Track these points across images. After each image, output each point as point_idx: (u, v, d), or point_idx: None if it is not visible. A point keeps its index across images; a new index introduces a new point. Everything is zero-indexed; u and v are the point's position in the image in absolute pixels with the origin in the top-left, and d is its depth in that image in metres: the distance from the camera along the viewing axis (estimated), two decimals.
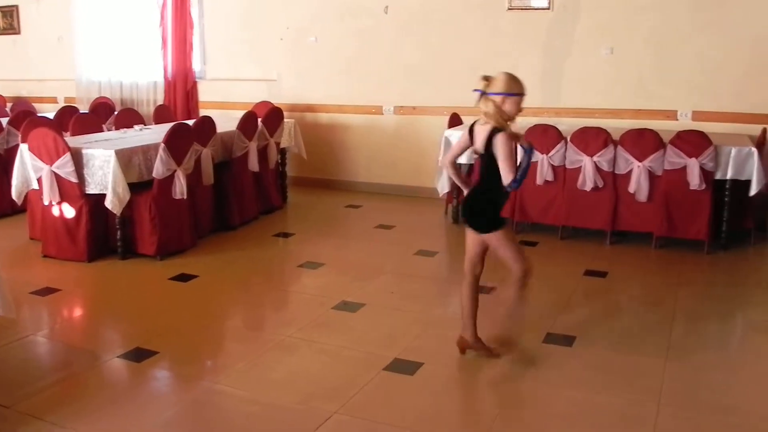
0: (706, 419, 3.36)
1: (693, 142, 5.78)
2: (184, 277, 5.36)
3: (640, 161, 5.90)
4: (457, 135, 6.65)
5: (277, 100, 8.31)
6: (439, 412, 3.45)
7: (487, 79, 3.73)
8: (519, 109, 3.70)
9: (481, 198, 3.89)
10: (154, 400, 3.65)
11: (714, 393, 3.61)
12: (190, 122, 6.39)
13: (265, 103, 8.18)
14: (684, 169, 5.81)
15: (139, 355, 4.03)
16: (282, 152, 7.64)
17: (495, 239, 3.83)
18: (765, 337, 4.25)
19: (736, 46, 6.68)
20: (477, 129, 3.82)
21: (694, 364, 3.97)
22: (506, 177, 3.57)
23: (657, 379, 3.72)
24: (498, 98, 3.66)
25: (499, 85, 3.67)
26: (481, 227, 3.85)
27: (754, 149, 5.76)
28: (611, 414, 3.41)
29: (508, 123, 3.71)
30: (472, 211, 3.93)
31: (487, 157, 3.71)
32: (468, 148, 3.97)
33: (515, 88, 3.66)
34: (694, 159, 5.75)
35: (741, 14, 6.65)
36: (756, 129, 6.42)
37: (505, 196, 3.84)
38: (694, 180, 5.76)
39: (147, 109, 9.00)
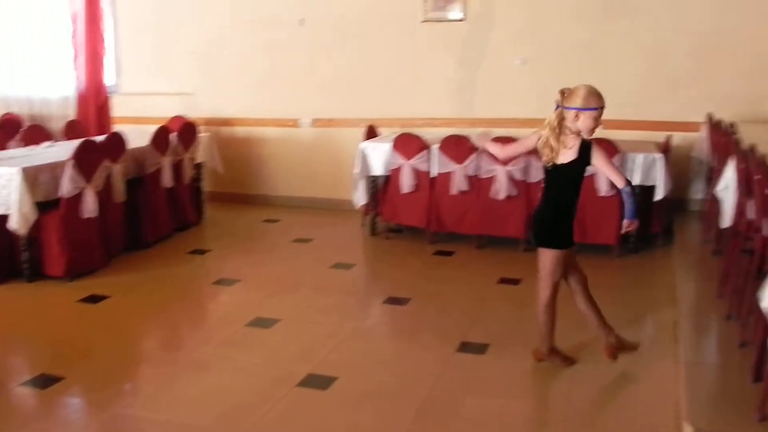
0: (612, 418, 3.45)
1: (604, 149, 5.92)
2: (94, 299, 5.21)
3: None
4: (373, 147, 6.70)
5: (192, 114, 8.17)
6: (352, 426, 3.45)
7: (563, 93, 3.74)
8: (596, 124, 3.75)
9: (553, 215, 3.93)
10: (60, 428, 3.54)
11: (621, 393, 3.72)
12: (100, 138, 6.24)
13: (179, 117, 8.03)
14: (593, 176, 5.95)
15: (44, 382, 3.89)
16: (198, 167, 7.54)
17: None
18: (669, 336, 4.37)
19: (642, 57, 6.92)
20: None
21: (603, 364, 4.05)
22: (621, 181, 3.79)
23: (566, 381, 3.81)
24: (571, 113, 3.69)
25: (575, 100, 3.68)
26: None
27: (659, 156, 5.96)
28: (523, 418, 3.47)
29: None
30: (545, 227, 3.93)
31: (568, 171, 3.79)
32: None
33: (592, 102, 3.70)
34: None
35: (646, 27, 6.89)
36: (661, 136, 6.63)
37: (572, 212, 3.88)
38: (603, 187, 5.92)
39: (59, 125, 8.74)
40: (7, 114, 8.80)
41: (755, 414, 3.06)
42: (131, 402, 3.73)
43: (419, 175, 6.48)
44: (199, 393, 3.78)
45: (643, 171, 5.98)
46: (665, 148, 6.29)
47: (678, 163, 6.72)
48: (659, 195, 5.97)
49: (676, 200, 6.79)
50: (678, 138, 6.73)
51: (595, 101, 3.71)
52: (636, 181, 5.98)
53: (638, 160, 5.98)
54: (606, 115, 7.01)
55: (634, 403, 3.64)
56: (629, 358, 4.19)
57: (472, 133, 6.67)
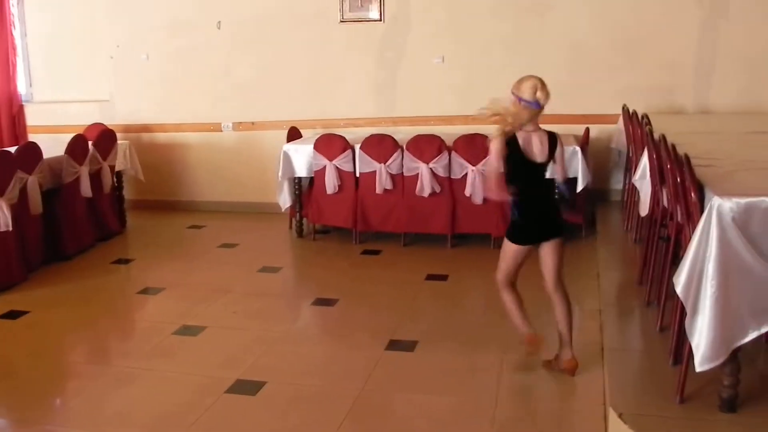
0: (541, 408, 3.51)
1: None
2: (13, 314, 5.03)
3: (474, 165, 6.10)
4: (296, 148, 6.67)
5: (110, 122, 7.99)
6: (281, 430, 3.42)
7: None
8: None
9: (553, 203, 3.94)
10: None
11: (548, 382, 3.79)
12: (12, 149, 6.03)
13: (97, 125, 7.84)
14: None
15: None
16: (118, 175, 7.36)
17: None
18: (594, 323, 4.47)
19: (558, 52, 7.06)
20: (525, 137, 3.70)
21: (532, 356, 4.12)
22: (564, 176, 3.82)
23: (494, 375, 3.86)
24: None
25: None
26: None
27: (578, 148, 6.09)
28: (453, 413, 3.49)
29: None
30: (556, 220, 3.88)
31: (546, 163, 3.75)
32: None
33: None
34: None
35: (561, 22, 7.05)
36: (580, 129, 6.78)
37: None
38: None
39: None
40: None
41: (676, 396, 3.16)
42: (56, 419, 3.64)
43: (343, 176, 6.48)
44: (126, 405, 3.70)
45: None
46: (584, 141, 6.44)
47: (597, 155, 6.90)
48: (579, 186, 6.09)
49: (598, 191, 6.97)
50: (596, 130, 6.91)
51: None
52: None
53: None
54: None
55: (563, 391, 3.71)
56: (557, 347, 4.27)
57: (395, 131, 6.74)
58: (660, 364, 3.55)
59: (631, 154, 6.15)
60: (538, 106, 3.65)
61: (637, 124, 5.64)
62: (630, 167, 6.22)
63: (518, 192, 3.77)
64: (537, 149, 3.74)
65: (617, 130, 6.85)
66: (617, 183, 7.18)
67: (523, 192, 3.78)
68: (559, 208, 3.96)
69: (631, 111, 6.07)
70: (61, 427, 3.54)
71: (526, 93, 3.67)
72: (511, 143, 3.66)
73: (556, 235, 3.82)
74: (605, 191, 7.20)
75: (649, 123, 5.18)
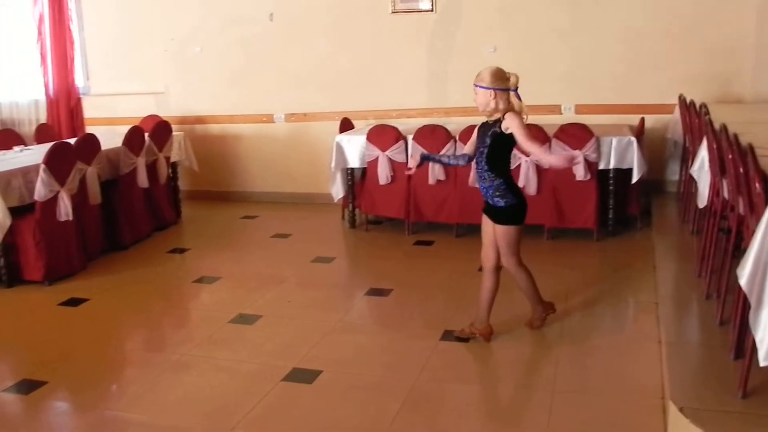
0: (597, 400, 3.47)
1: (576, 134, 5.97)
2: (74, 302, 5.17)
3: (527, 156, 6.04)
4: (348, 139, 6.69)
5: (165, 113, 8.11)
6: (338, 419, 3.45)
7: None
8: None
9: None
10: None
11: (605, 374, 3.74)
12: (72, 141, 6.17)
13: (152, 116, 7.98)
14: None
15: (27, 387, 3.86)
16: (173, 166, 7.48)
17: None
18: (651, 317, 4.41)
19: (611, 41, 6.96)
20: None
21: (587, 347, 4.10)
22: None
23: (551, 367, 3.83)
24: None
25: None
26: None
27: (633, 139, 5.99)
28: (508, 404, 3.49)
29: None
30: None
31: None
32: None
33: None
34: (578, 151, 5.93)
35: (614, 11, 6.93)
36: (635, 119, 6.67)
37: None
38: (580, 171, 5.95)
39: (29, 129, 8.64)
40: None
41: (738, 390, 3.10)
42: (116, 404, 3.70)
43: (396, 166, 6.48)
44: (183, 393, 3.76)
45: (618, 154, 6.01)
46: (639, 131, 6.33)
47: (653, 145, 6.78)
48: (635, 177, 6.00)
49: (653, 182, 6.86)
50: (652, 120, 6.79)
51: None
52: (611, 164, 6.02)
53: (613, 143, 6.01)
54: (580, 99, 7.16)
55: (619, 384, 3.65)
56: (613, 339, 4.24)
57: (447, 122, 6.72)
58: (721, 359, 3.48)
59: (687, 145, 6.04)
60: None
61: (694, 113, 5.53)
62: (687, 158, 6.10)
63: (509, 175, 3.98)
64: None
65: (673, 120, 6.72)
66: (673, 174, 7.04)
67: (510, 174, 4.00)
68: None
69: (688, 100, 5.96)
70: (121, 412, 3.60)
71: (513, 82, 3.86)
72: (498, 128, 3.84)
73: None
74: (661, 182, 7.07)
75: (707, 113, 5.07)
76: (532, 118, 6.39)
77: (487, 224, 4.09)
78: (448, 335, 4.28)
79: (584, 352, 4.05)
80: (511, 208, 3.96)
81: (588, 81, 7.08)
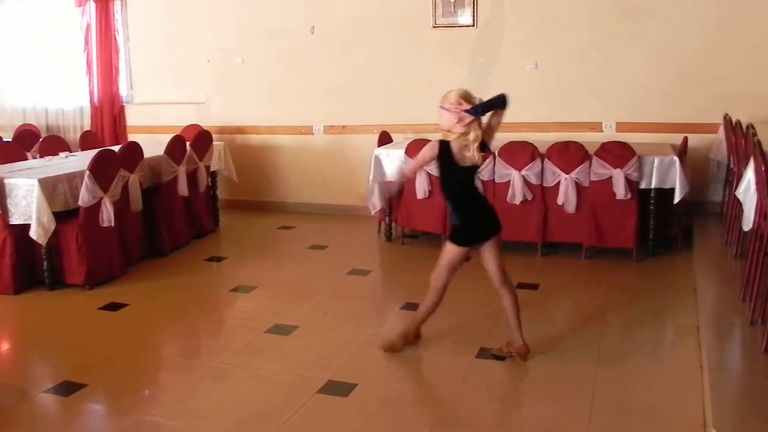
0: (635, 425, 3.42)
1: (617, 152, 5.92)
2: (114, 306, 5.23)
3: (567, 173, 6.01)
4: (387, 153, 6.70)
5: (206, 123, 8.21)
6: None
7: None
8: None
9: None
10: None
11: (644, 399, 3.68)
12: (116, 148, 6.26)
13: (193, 126, 8.07)
14: (610, 179, 5.94)
15: (67, 389, 3.91)
16: (212, 175, 7.55)
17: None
18: (692, 340, 4.34)
19: (654, 58, 6.90)
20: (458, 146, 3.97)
21: (625, 370, 4.04)
22: None
23: (589, 388, 3.77)
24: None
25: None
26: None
27: (675, 158, 5.92)
28: (544, 425, 3.44)
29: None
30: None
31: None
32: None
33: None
34: (618, 169, 5.88)
35: (659, 28, 6.88)
36: (678, 138, 6.60)
37: None
38: (620, 190, 5.89)
39: (74, 136, 8.79)
40: (24, 125, 8.88)
41: None
42: (153, 409, 3.72)
43: (434, 181, 6.46)
44: (219, 401, 3.78)
45: (660, 174, 5.93)
46: (682, 150, 6.26)
47: (695, 165, 6.69)
48: (677, 198, 5.93)
49: (695, 203, 6.76)
50: (695, 139, 6.70)
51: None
52: (653, 183, 5.96)
53: (655, 162, 5.94)
54: (621, 117, 7.10)
55: (659, 409, 3.58)
56: (652, 362, 4.18)
57: None
58: (765, 387, 3.41)
59: (732, 165, 5.95)
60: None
61: (740, 134, 5.45)
62: (731, 179, 6.01)
63: (456, 196, 4.05)
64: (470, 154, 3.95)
65: (717, 139, 6.64)
66: (715, 195, 6.93)
67: (461, 195, 4.05)
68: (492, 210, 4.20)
69: (733, 120, 5.87)
70: (157, 417, 3.62)
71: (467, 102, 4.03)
72: (445, 150, 3.99)
73: (495, 233, 4.12)
74: (703, 203, 6.96)
75: (755, 133, 4.99)
76: (572, 135, 6.45)
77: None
78: (484, 352, 4.25)
79: (622, 374, 3.99)
80: (455, 229, 4.12)
81: (629, 99, 7.03)
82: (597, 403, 3.61)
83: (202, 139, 7.22)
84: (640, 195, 6.01)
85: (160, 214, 6.50)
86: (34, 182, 5.35)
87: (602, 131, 7.07)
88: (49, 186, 5.44)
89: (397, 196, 6.81)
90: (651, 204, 6.05)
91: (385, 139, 7.30)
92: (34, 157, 7.29)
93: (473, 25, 7.43)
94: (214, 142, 7.47)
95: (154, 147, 6.73)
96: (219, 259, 6.59)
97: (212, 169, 7.45)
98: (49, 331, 4.90)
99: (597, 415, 3.49)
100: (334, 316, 4.97)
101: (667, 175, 5.95)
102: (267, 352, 4.40)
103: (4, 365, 4.51)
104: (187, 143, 6.93)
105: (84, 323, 5.02)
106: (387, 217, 6.90)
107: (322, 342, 4.52)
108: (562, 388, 3.81)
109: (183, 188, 6.74)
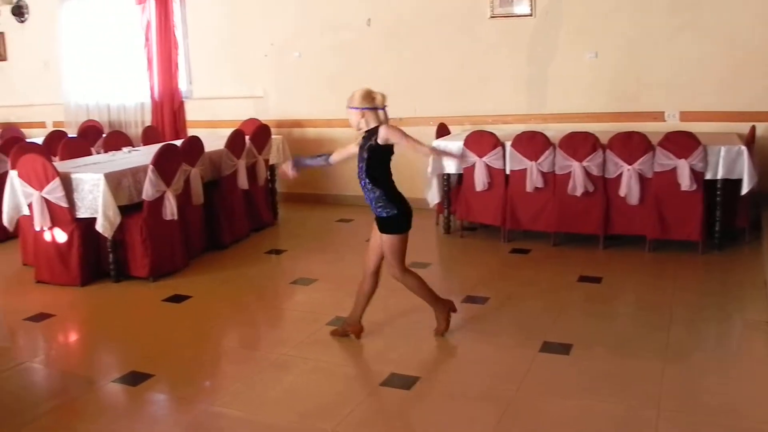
0: (705, 422, 3.34)
1: (682, 143, 5.78)
2: (177, 298, 5.32)
3: (630, 164, 5.89)
4: (445, 145, 6.66)
5: (264, 117, 8.29)
6: (436, 426, 3.43)
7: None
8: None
9: None
10: (152, 424, 3.62)
11: (713, 395, 3.60)
12: (178, 143, 6.35)
13: (252, 120, 8.16)
14: (674, 170, 5.81)
15: (134, 379, 4.00)
16: (271, 169, 7.62)
17: None
18: (762, 336, 4.23)
19: (718, 45, 6.71)
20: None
21: (693, 366, 3.96)
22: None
23: (656, 383, 3.70)
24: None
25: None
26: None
27: (743, 148, 5.76)
28: (611, 420, 3.38)
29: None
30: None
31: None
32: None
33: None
34: (683, 160, 5.75)
35: (719, 14, 6.69)
36: (745, 127, 6.42)
37: None
38: (685, 181, 5.76)
39: (135, 131, 8.98)
40: (88, 121, 9.10)
41: None
42: (217, 400, 3.78)
43: (493, 173, 6.41)
44: (281, 392, 3.81)
45: (727, 164, 5.77)
46: (750, 140, 6.09)
47: (764, 155, 6.49)
48: (745, 189, 5.77)
49: (764, 194, 6.55)
50: (762, 128, 6.50)
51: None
52: (719, 174, 5.80)
53: (721, 152, 5.78)
54: (685, 106, 6.92)
55: (729, 406, 3.50)
56: (721, 358, 4.09)
57: (545, 128, 6.62)
58: None
59: None
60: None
61: None
62: None
63: (389, 181, 4.18)
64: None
65: None
66: None
67: (391, 182, 4.19)
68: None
69: None
70: (221, 408, 3.67)
71: (379, 101, 4.32)
72: (374, 141, 4.12)
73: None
74: None
75: None
76: (633, 126, 6.33)
77: (375, 231, 4.31)
78: (547, 346, 4.20)
79: (690, 370, 3.91)
80: (393, 218, 4.15)
81: (693, 87, 6.85)
82: (665, 399, 3.54)
83: (261, 132, 7.29)
84: (705, 186, 5.86)
85: (220, 207, 6.59)
86: (100, 177, 5.47)
87: (665, 121, 6.91)
88: (114, 180, 5.55)
89: (457, 187, 6.78)
90: (717, 195, 5.90)
91: (442, 131, 7.26)
92: (98, 152, 7.46)
93: (531, 15, 7.33)
94: (273, 136, 7.53)
95: (213, 141, 6.82)
96: (278, 252, 6.64)
97: (271, 162, 7.52)
98: (116, 322, 5.01)
99: (666, 412, 3.41)
100: (394, 309, 4.95)
101: (734, 165, 5.78)
102: (328, 344, 4.42)
103: (72, 355, 4.63)
104: (247, 137, 7.00)
105: (149, 314, 5.12)
106: (446, 210, 6.87)
107: (383, 335, 4.52)
108: (628, 382, 3.74)
109: (243, 182, 6.81)
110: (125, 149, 6.99)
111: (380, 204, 4.14)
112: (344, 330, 4.45)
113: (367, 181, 4.17)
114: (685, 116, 6.87)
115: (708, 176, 5.85)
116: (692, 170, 5.74)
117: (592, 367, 3.96)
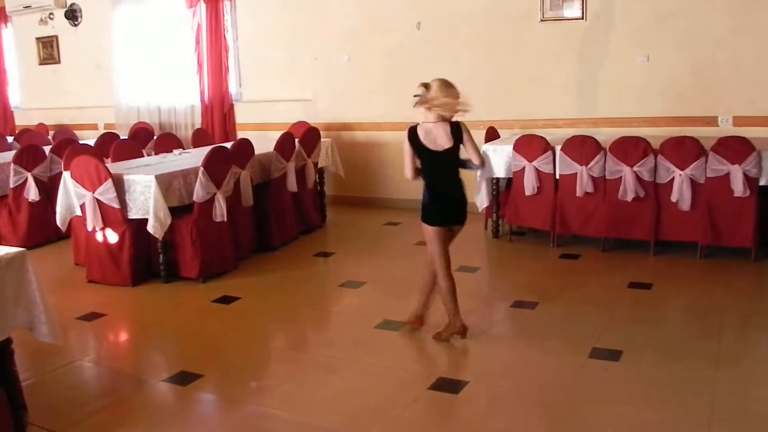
0: (757, 430, 3.27)
1: (735, 148, 5.68)
2: (226, 300, 5.39)
3: (682, 169, 5.81)
4: (494, 149, 6.64)
5: (313, 120, 8.36)
6: (485, 431, 3.42)
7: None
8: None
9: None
10: (201, 424, 3.68)
11: (765, 404, 3.53)
12: (228, 145, 6.43)
13: (301, 123, 8.23)
14: (727, 176, 5.71)
15: (184, 379, 4.06)
16: (320, 172, 7.67)
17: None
18: None
19: None
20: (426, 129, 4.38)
21: (745, 375, 3.88)
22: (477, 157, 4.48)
23: (708, 392, 3.64)
24: None
25: None
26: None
27: None
28: (662, 428, 3.34)
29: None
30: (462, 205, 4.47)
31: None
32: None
33: None
34: (737, 165, 5.65)
35: None
36: None
37: None
38: (738, 187, 5.65)
39: (185, 133, 9.12)
40: (138, 123, 9.28)
41: None
42: (266, 401, 3.82)
43: (542, 177, 6.37)
44: (329, 394, 3.84)
45: None
46: None
47: None
48: None
49: None
50: None
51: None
52: None
53: None
54: (739, 110, 6.81)
55: None
56: None
57: (595, 133, 6.55)
58: None
59: None
60: None
61: None
62: None
63: (425, 177, 4.39)
64: (441, 139, 4.39)
65: None
66: None
67: (430, 177, 4.39)
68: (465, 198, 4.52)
69: None
70: (270, 409, 3.71)
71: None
72: (411, 135, 4.37)
73: (459, 222, 4.49)
74: None
75: None
76: (685, 130, 6.23)
77: None
78: (597, 352, 4.16)
79: (743, 378, 3.83)
80: (425, 207, 4.43)
81: (747, 91, 6.72)
82: (717, 408, 3.48)
83: (310, 135, 7.34)
84: (759, 192, 5.75)
85: (269, 209, 6.65)
86: (152, 178, 5.57)
87: (718, 126, 6.79)
88: (165, 182, 5.64)
89: (506, 191, 6.75)
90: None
91: (492, 134, 7.23)
92: (149, 154, 7.59)
93: (582, 18, 7.27)
94: (322, 139, 7.58)
95: (263, 144, 6.89)
96: (327, 255, 6.68)
97: (320, 165, 7.58)
98: (166, 323, 5.09)
99: (717, 421, 3.36)
100: (443, 313, 4.93)
101: None
102: (376, 347, 4.44)
103: (122, 354, 4.72)
104: (296, 140, 7.06)
105: (198, 315, 5.19)
106: (494, 214, 6.84)
107: (431, 339, 4.51)
108: (679, 390, 3.69)
109: (292, 184, 6.87)
110: (176, 151, 7.11)
111: (424, 192, 4.43)
112: (448, 333, 4.44)
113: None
114: (738, 121, 6.74)
115: (762, 182, 5.73)
116: (746, 176, 5.63)
117: (642, 373, 3.91)
